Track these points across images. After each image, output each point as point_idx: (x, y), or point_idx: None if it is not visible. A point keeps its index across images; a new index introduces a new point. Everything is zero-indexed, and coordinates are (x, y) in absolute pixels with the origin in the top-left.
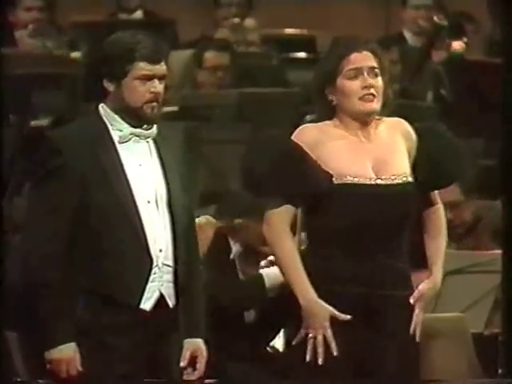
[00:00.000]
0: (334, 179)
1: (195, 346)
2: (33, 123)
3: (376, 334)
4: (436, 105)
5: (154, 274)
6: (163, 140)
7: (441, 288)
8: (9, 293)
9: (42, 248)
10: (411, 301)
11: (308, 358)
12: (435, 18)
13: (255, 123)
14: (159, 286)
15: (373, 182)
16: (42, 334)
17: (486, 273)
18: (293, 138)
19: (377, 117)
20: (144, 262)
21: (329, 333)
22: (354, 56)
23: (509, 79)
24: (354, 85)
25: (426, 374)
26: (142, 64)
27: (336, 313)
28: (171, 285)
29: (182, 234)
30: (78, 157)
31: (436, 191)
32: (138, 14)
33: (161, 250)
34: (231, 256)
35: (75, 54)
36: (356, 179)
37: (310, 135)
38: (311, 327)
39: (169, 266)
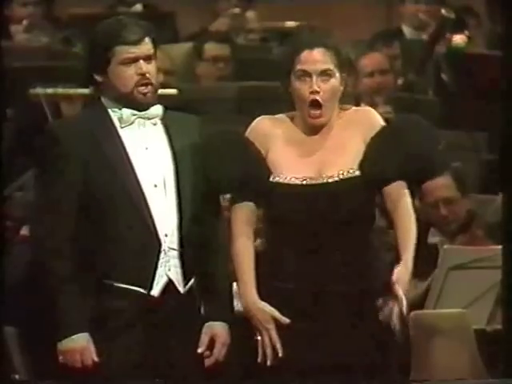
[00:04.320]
0: (271, 177)
1: (214, 329)
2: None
3: (327, 330)
4: (438, 98)
5: (161, 258)
6: (173, 121)
7: (443, 284)
8: (10, 289)
9: (49, 239)
10: (393, 287)
11: (259, 359)
12: (442, 11)
13: (254, 117)
14: (166, 271)
15: (309, 182)
16: (53, 326)
17: (488, 268)
18: (247, 130)
19: (345, 106)
20: (152, 246)
21: (273, 334)
22: (304, 55)
23: (509, 72)
24: (303, 88)
25: (428, 371)
26: (122, 47)
27: (277, 315)
28: (179, 270)
29: (191, 217)
30: (78, 145)
31: (401, 184)
32: (138, 7)
33: (166, 235)
34: None
35: (71, 49)
36: (292, 179)
37: (261, 128)
38: (256, 329)
39: (175, 250)
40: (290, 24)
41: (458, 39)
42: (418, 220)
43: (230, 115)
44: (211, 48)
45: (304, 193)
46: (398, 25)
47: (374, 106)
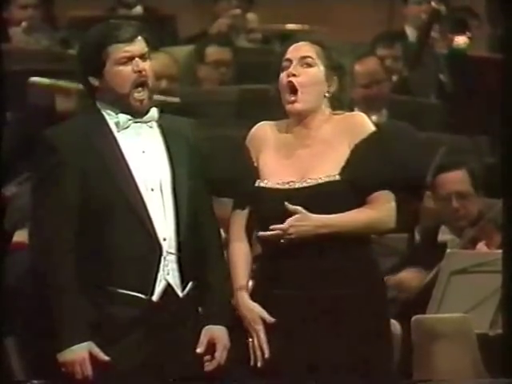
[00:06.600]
0: (257, 182)
1: (214, 333)
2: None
3: (321, 333)
4: (439, 102)
5: (161, 263)
6: (168, 124)
7: (445, 288)
8: (9, 296)
9: (49, 249)
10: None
11: (252, 362)
12: (432, 3)
13: (255, 120)
14: (165, 275)
15: (290, 186)
16: (53, 336)
17: (490, 273)
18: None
19: (337, 111)
20: (152, 251)
21: (261, 336)
22: (290, 48)
23: (509, 76)
24: (282, 76)
25: (430, 375)
26: (115, 46)
27: (264, 315)
28: (177, 274)
29: (188, 221)
30: (75, 151)
31: (384, 193)
32: (138, 10)
33: (165, 239)
34: None
35: (71, 51)
36: (275, 183)
37: (257, 133)
38: (247, 330)
39: (173, 254)
40: (291, 26)
41: (460, 40)
42: (428, 218)
43: (231, 119)
44: (213, 52)
45: (285, 197)
46: (401, 26)
47: (368, 111)
